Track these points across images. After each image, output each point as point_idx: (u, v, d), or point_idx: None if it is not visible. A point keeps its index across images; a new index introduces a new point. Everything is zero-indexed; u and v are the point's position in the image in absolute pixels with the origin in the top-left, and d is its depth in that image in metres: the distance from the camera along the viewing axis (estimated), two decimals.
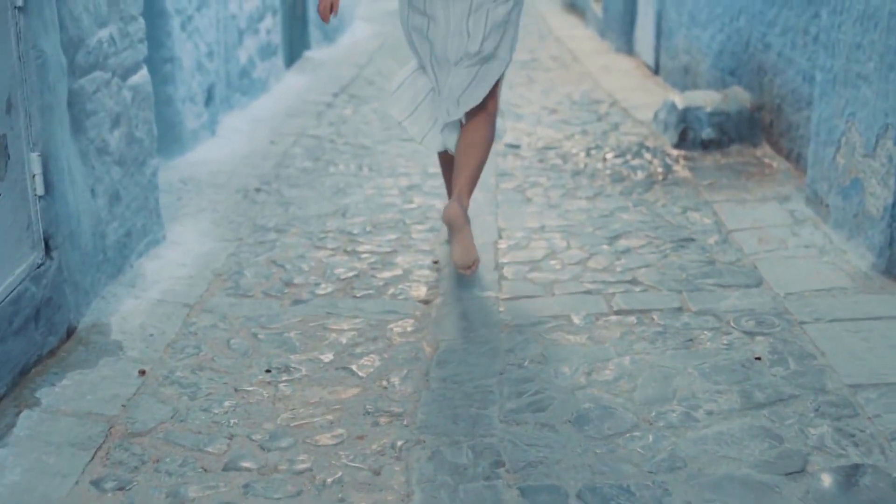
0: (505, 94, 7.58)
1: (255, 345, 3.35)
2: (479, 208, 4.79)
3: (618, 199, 4.89)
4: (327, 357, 3.27)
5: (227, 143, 6.01)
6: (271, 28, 7.63)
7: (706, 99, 5.80)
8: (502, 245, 4.32)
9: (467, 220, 3.64)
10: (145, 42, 4.03)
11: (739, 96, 5.78)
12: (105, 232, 3.62)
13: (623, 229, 4.44)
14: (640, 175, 5.25)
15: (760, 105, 5.60)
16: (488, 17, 3.73)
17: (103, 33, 3.63)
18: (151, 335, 3.36)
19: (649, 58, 8.19)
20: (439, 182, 5.28)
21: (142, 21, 4.00)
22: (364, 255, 4.22)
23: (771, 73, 5.43)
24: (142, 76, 4.01)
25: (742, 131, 5.62)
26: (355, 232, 4.51)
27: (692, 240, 4.27)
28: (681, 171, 5.30)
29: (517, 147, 5.99)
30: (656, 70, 7.98)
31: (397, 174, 5.45)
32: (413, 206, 4.90)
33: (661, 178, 5.20)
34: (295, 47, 8.75)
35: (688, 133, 5.68)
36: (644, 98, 7.18)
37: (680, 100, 5.85)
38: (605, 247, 4.25)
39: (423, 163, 5.65)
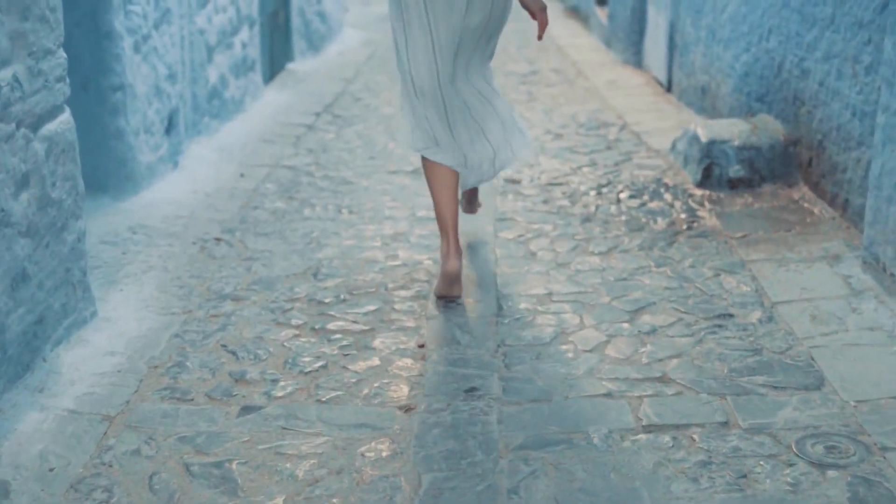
0: None
1: (185, 484, 2.57)
2: (476, 266, 4.02)
3: (636, 255, 4.12)
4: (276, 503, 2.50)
5: (190, 178, 5.23)
6: (248, 41, 6.85)
7: (732, 130, 5.02)
8: (503, 320, 3.55)
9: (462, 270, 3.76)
10: (66, 80, 3.25)
11: (770, 127, 5.00)
12: (5, 325, 2.85)
13: (646, 299, 3.67)
14: (661, 223, 4.48)
15: (796, 139, 4.83)
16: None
17: (2, 75, 2.85)
18: (52, 470, 2.58)
19: (661, 73, 7.41)
20: (427, 229, 4.51)
21: (62, 55, 3.22)
22: (335, 336, 3.44)
23: (810, 104, 4.65)
24: (62, 123, 3.22)
25: (775, 169, 4.85)
26: (327, 301, 3.73)
27: (730, 316, 3.50)
28: (707, 217, 4.52)
29: (518, 183, 5.21)
30: (669, 87, 7.21)
31: (381, 218, 4.68)
32: (397, 262, 4.13)
33: (684, 226, 4.42)
34: (276, 60, 7.96)
35: (713, 170, 4.91)
36: (658, 121, 6.40)
37: (703, 130, 5.07)
38: (625, 324, 3.47)
39: (412, 203, 4.88)
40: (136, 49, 4.85)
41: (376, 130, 6.47)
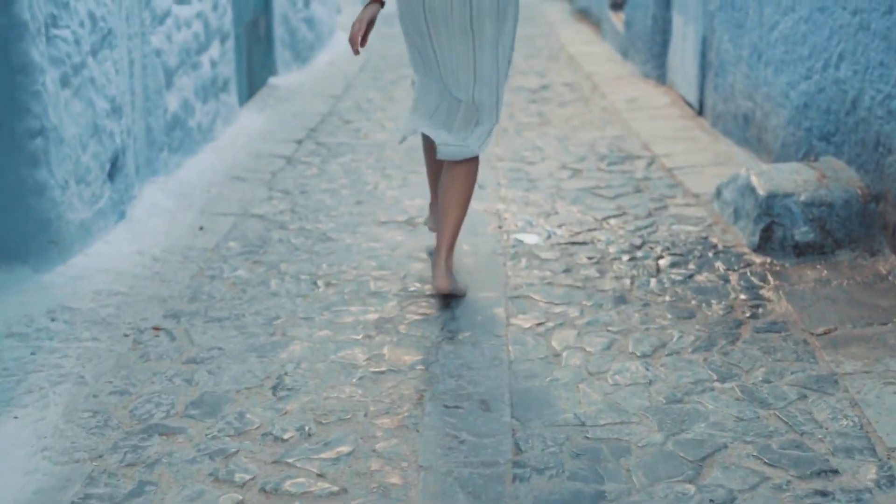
0: (512, 142, 5.82)
1: None
2: (484, 375, 3.04)
3: (691, 359, 3.13)
4: None
5: (137, 234, 4.24)
6: (219, 58, 5.85)
7: (795, 179, 4.03)
8: (522, 473, 2.56)
9: (456, 285, 3.61)
10: None
11: (842, 176, 4.01)
12: None
13: (712, 439, 2.68)
14: (717, 308, 3.48)
15: (878, 194, 3.84)
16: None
17: None
18: None
19: (690, 93, 6.41)
20: (421, 311, 3.52)
21: None
22: None
23: None
24: None
25: (852, 231, 3.86)
26: (287, 437, 2.74)
27: (834, 473, 2.51)
28: (775, 300, 3.53)
29: (531, 241, 4.23)
30: (700, 110, 6.20)
31: (365, 295, 3.69)
32: (381, 370, 3.13)
33: (748, 314, 3.43)
34: (255, 75, 6.96)
35: (774, 231, 3.91)
36: (692, 154, 5.41)
37: (758, 179, 4.07)
38: (689, 487, 2.48)
39: (403, 271, 3.89)
40: (65, 83, 3.85)
41: (366, 163, 5.48)
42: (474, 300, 3.60)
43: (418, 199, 4.81)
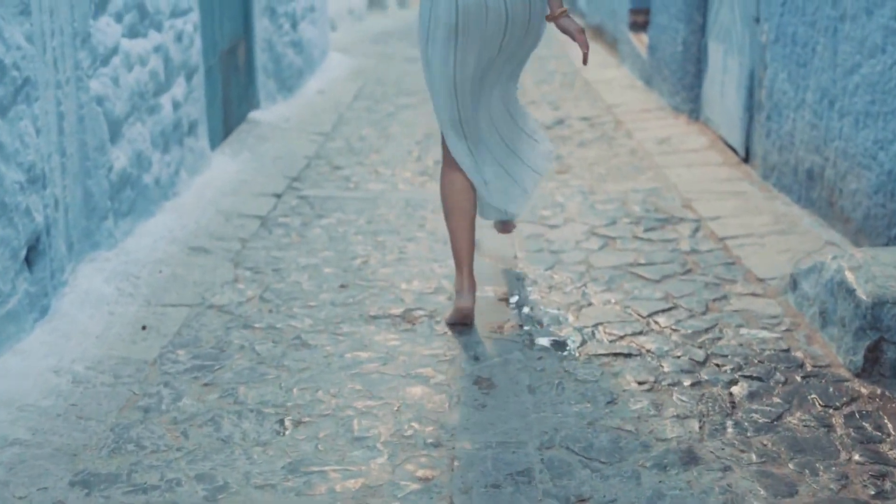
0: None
1: None
2: None
3: None
4: None
5: (60, 339, 3.26)
6: (184, 97, 4.87)
7: None
8: None
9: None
10: None
11: None
12: None
13: None
14: (825, 478, 2.47)
15: None
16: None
17: None
18: None
19: (733, 135, 5.43)
20: (422, 466, 2.54)
21: None
22: None
23: None
24: None
25: None
26: None
27: None
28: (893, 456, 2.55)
29: (561, 345, 3.25)
30: (746, 157, 5.22)
31: (344, 444, 2.69)
32: None
33: (871, 493, 2.44)
34: (233, 111, 5.98)
35: (884, 351, 2.93)
36: (746, 216, 4.43)
37: (855, 277, 3.08)
38: None
39: (398, 397, 2.91)
40: None
41: (355, 226, 4.50)
42: (492, 455, 2.62)
43: (416, 280, 3.84)
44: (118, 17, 4.10)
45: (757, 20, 4.99)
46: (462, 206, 3.35)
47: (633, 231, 4.36)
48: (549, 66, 8.57)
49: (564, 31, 3.29)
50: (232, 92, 5.95)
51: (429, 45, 3.24)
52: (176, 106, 4.76)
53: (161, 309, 3.57)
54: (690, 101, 6.22)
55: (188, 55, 4.95)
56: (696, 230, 4.34)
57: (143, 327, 3.42)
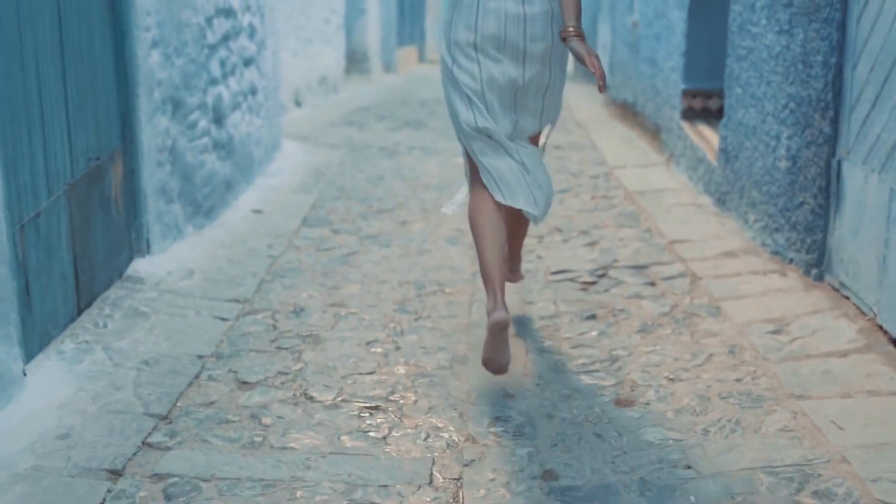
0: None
1: None
2: None
3: None
4: None
5: None
6: None
7: None
8: None
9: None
10: None
11: None
12: None
13: None
14: None
15: None
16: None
17: None
18: None
19: (894, 322, 3.08)
20: None
21: None
22: None
23: None
24: None
25: None
26: None
27: None
28: None
29: None
30: None
31: None
32: None
33: None
34: (94, 269, 3.61)
35: None
36: None
37: None
38: None
39: None
40: None
41: None
42: None
43: None
44: None
45: None
46: (490, 227, 3.01)
47: None
48: (571, 162, 6.23)
49: (575, 55, 2.86)
50: (93, 238, 3.60)
51: (452, 61, 2.97)
52: None
53: None
54: (810, 252, 3.88)
55: None
56: None
57: None
